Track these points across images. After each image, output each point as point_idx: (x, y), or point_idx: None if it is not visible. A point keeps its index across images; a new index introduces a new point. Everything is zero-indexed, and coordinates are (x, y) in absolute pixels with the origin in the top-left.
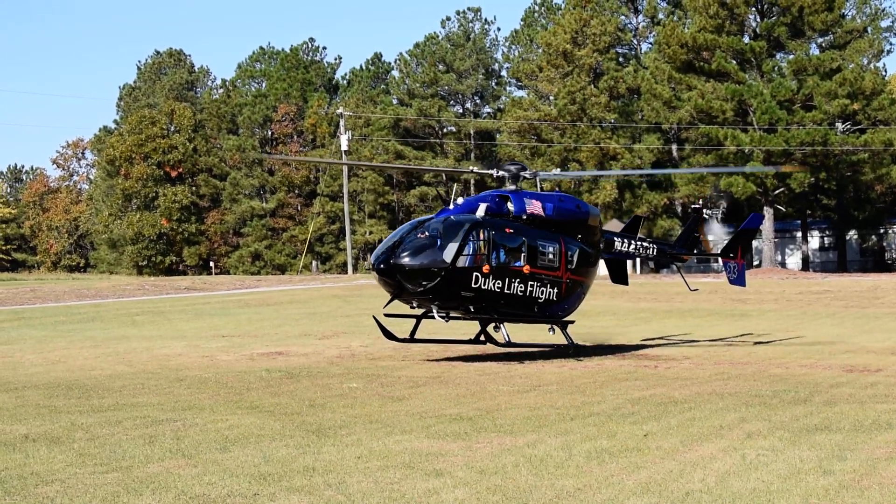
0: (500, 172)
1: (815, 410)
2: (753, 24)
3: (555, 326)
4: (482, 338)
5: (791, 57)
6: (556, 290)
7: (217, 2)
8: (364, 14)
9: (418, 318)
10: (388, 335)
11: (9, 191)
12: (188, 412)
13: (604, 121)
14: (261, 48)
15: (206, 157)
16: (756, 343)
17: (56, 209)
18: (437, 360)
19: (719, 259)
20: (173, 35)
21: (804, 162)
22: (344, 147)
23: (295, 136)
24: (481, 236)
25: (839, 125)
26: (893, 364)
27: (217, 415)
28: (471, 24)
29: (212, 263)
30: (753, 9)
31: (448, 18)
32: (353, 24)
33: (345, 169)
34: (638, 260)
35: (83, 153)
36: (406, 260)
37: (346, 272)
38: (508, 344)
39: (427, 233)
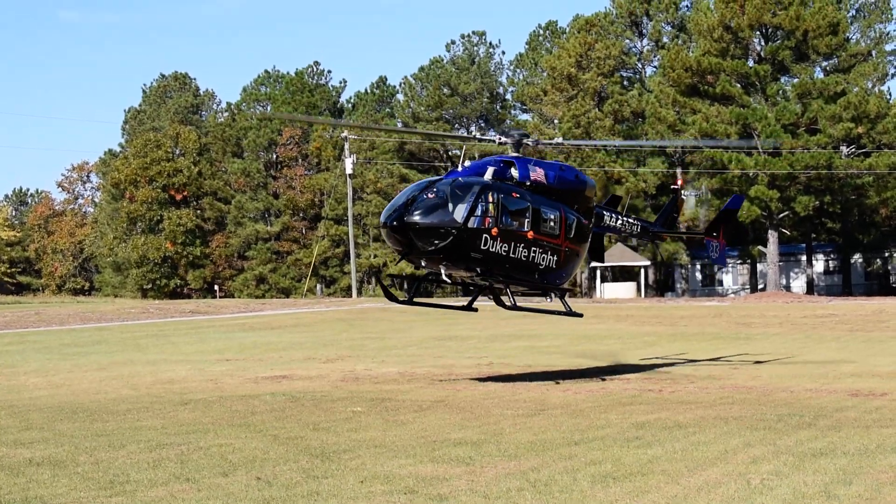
0: (504, 139)
1: (819, 435)
2: (758, 48)
3: (554, 294)
4: (493, 300)
5: (795, 80)
6: (555, 258)
7: (223, 25)
8: (369, 38)
9: (418, 281)
10: (390, 297)
11: (14, 214)
12: (192, 436)
13: (609, 145)
14: (266, 72)
15: (210, 180)
16: (760, 365)
17: (61, 232)
18: (441, 383)
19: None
20: (179, 58)
21: (808, 186)
22: (348, 171)
23: (300, 160)
24: (491, 198)
25: (843, 149)
26: None
27: (221, 438)
28: (475, 48)
29: (216, 287)
30: (758, 32)
31: (453, 42)
32: (358, 47)
33: (349, 192)
34: (642, 283)
35: (88, 176)
36: (418, 218)
37: (351, 296)
38: (514, 307)
39: (439, 192)
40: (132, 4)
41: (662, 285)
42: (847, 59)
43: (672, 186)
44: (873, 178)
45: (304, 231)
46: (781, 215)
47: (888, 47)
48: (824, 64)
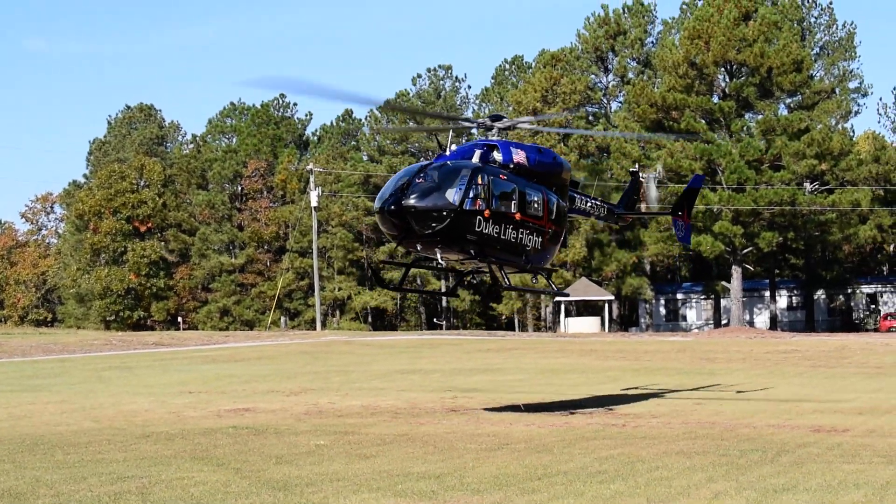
0: (484, 121)
1: (782, 470)
2: (722, 84)
3: (539, 275)
4: (490, 278)
5: (760, 117)
6: (540, 239)
7: (189, 57)
8: (335, 70)
9: (407, 267)
10: (381, 282)
11: None
12: (154, 469)
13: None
14: (232, 104)
15: (175, 212)
16: (723, 400)
17: (24, 263)
18: (404, 416)
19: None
20: (145, 90)
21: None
22: (314, 203)
23: (265, 192)
24: (483, 181)
25: (807, 185)
26: (860, 424)
27: (183, 472)
28: (441, 82)
29: (180, 319)
30: (722, 69)
31: (419, 76)
32: (324, 80)
33: (314, 225)
34: (606, 317)
35: (52, 207)
36: (415, 201)
37: (315, 328)
38: (509, 287)
39: (433, 176)
40: (98, 34)
41: (626, 320)
42: (811, 97)
43: (630, 170)
44: (836, 214)
45: (268, 263)
46: (745, 251)
47: (852, 85)
48: (788, 101)
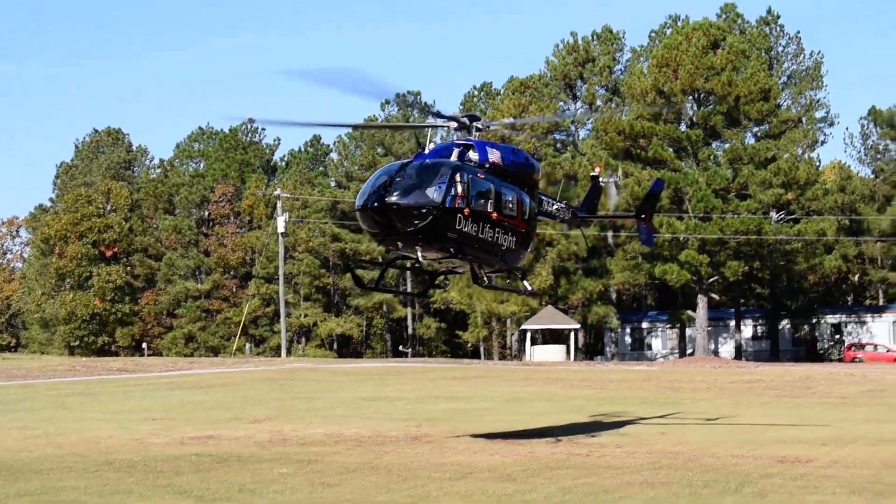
0: (461, 120)
1: (745, 501)
2: (690, 113)
3: (514, 275)
4: (471, 276)
5: (727, 146)
6: (514, 239)
7: (156, 81)
8: (303, 96)
9: (384, 268)
10: (359, 282)
11: None
12: (115, 496)
13: None
14: (199, 128)
15: (141, 236)
16: (687, 430)
17: None
18: (368, 445)
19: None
20: (112, 114)
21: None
22: (281, 229)
23: (232, 217)
24: (462, 179)
25: (773, 214)
26: (824, 455)
27: (145, 500)
28: (410, 108)
29: (144, 345)
30: (690, 97)
31: (387, 102)
32: (292, 105)
33: (281, 251)
34: (572, 346)
35: (17, 231)
36: (398, 198)
37: (280, 355)
38: (489, 286)
39: (415, 174)
40: (66, 58)
41: (592, 349)
42: (778, 126)
43: (591, 174)
44: (802, 244)
45: (234, 289)
46: (711, 280)
47: (818, 114)
48: (755, 129)
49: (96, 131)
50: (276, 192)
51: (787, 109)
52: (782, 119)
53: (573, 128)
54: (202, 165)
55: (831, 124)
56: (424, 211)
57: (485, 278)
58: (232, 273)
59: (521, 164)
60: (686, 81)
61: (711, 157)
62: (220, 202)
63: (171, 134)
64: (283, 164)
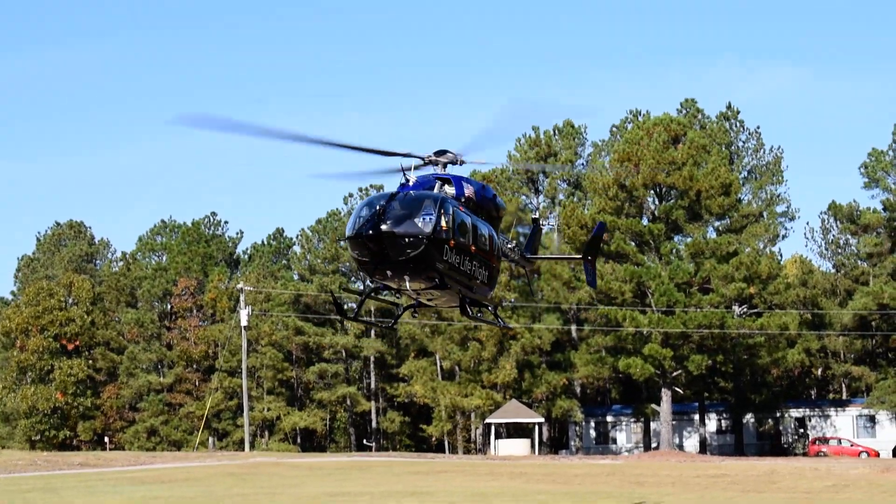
0: (433, 157)
1: None
2: (652, 207)
3: (485, 308)
4: (458, 309)
5: (689, 240)
6: (487, 273)
7: (119, 173)
8: (267, 189)
9: (363, 298)
10: (341, 311)
11: None
12: None
13: (504, 300)
14: (162, 221)
15: (103, 330)
16: None
17: None
18: None
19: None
20: (74, 207)
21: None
22: (244, 322)
23: (194, 311)
24: (448, 211)
25: (736, 308)
26: None
27: None
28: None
29: (106, 439)
30: (652, 192)
31: (350, 195)
32: (255, 198)
33: (244, 344)
34: (537, 440)
35: None
36: (393, 227)
37: (244, 449)
38: (472, 317)
39: (406, 204)
40: (28, 152)
41: (557, 442)
42: (739, 220)
43: (532, 216)
44: (765, 338)
45: (197, 383)
46: (675, 374)
47: (779, 209)
48: (717, 224)
49: (58, 224)
50: (239, 286)
51: (748, 204)
52: (743, 213)
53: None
54: (165, 258)
55: (792, 219)
56: (415, 240)
57: (470, 310)
58: (195, 366)
59: (490, 200)
60: (648, 176)
61: (674, 250)
62: (182, 295)
63: (133, 226)
64: (246, 257)
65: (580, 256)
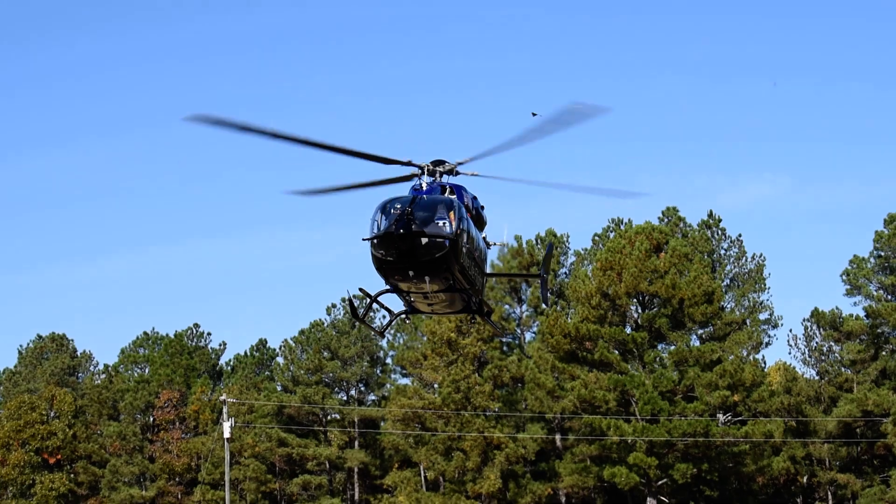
0: (431, 166)
1: None
2: (635, 315)
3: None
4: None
5: (672, 348)
6: (481, 279)
7: (101, 286)
8: (249, 300)
9: (370, 302)
10: (354, 313)
11: None
12: None
13: (488, 409)
14: (145, 333)
15: (85, 443)
16: None
17: None
18: None
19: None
20: (56, 320)
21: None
22: (227, 434)
23: (177, 423)
24: (465, 216)
25: (720, 416)
26: None
27: None
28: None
29: None
30: (635, 300)
31: (333, 305)
32: (238, 310)
33: (227, 456)
34: None
35: None
36: (422, 227)
37: None
38: (478, 312)
39: (430, 207)
40: (9, 266)
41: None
42: (722, 328)
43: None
44: (750, 446)
45: (179, 496)
46: (660, 482)
47: (762, 316)
48: (700, 332)
49: (40, 337)
50: (221, 398)
51: (731, 312)
52: (726, 321)
53: (519, 330)
54: (147, 370)
55: (775, 326)
56: (441, 242)
57: (482, 308)
58: (177, 479)
59: (479, 211)
60: (630, 284)
61: (657, 359)
62: (165, 408)
63: (116, 338)
64: (229, 368)
65: (536, 274)
